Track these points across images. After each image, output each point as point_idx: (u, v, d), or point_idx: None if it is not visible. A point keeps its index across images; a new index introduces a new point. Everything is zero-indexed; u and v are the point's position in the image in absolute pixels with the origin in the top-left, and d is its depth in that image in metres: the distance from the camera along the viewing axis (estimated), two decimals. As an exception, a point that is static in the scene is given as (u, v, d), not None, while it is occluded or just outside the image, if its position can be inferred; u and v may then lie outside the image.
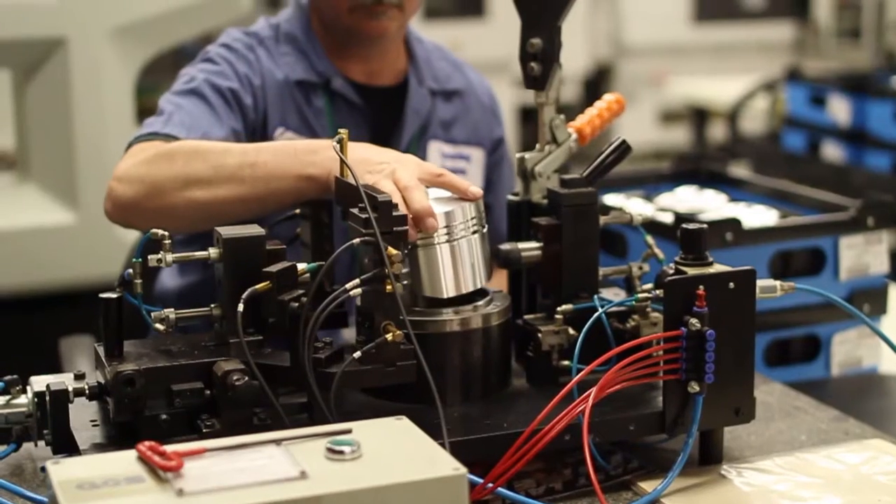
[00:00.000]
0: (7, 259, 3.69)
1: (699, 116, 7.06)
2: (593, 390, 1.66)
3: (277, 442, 1.42)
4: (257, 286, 1.64)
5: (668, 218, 2.48)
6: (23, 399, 1.74)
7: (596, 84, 9.51)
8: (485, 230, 1.85)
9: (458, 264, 1.80)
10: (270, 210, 1.99)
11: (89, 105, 3.72)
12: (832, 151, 5.43)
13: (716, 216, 2.72)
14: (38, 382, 1.75)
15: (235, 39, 2.43)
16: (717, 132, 7.70)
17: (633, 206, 2.81)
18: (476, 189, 1.84)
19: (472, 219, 1.82)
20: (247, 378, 1.60)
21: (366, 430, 1.45)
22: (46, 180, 3.81)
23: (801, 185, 2.71)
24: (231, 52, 2.40)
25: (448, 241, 1.79)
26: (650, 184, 3.00)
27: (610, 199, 2.82)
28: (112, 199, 2.09)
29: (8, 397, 1.74)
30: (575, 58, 8.44)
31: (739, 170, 3.29)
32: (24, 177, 3.90)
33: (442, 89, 2.56)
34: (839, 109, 5.32)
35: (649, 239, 1.98)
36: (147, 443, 1.39)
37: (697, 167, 3.08)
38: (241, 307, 1.60)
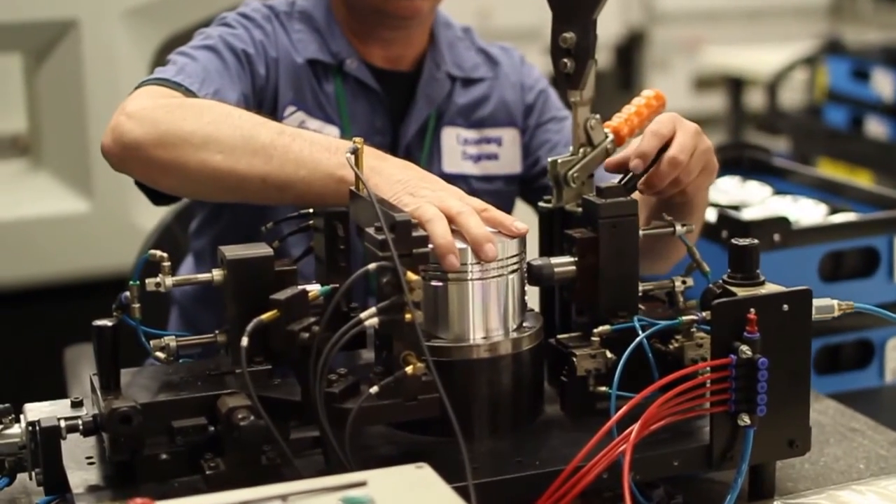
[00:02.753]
0: (20, 249, 3.57)
1: (735, 86, 6.85)
2: (635, 428, 1.51)
3: (284, 497, 1.28)
4: (263, 317, 1.49)
5: (710, 215, 2.33)
6: (15, 429, 1.61)
7: (628, 51, 9.34)
8: (524, 269, 1.69)
9: (489, 304, 1.64)
10: (287, 201, 1.82)
11: (103, 89, 3.58)
12: (876, 127, 5.24)
13: (760, 211, 2.58)
14: (33, 411, 1.63)
15: (254, 9, 2.29)
16: (754, 99, 7.51)
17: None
18: (521, 225, 1.67)
19: (513, 257, 1.66)
20: (253, 417, 1.46)
21: (382, 483, 1.31)
22: (59, 167, 3.68)
23: (843, 161, 2.60)
24: (248, 19, 2.26)
25: (481, 279, 1.64)
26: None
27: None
28: (116, 135, 1.88)
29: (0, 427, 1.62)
30: (607, 24, 8.24)
31: (784, 160, 3.11)
32: (36, 163, 3.78)
33: (466, 77, 2.39)
34: (883, 84, 5.13)
35: (694, 250, 1.82)
36: (139, 500, 1.25)
37: (740, 156, 2.92)
38: (245, 341, 1.45)
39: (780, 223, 2.26)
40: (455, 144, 2.36)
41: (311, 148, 1.79)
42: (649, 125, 1.82)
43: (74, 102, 3.60)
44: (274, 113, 2.21)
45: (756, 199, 2.69)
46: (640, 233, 1.74)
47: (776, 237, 2.24)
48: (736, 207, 2.64)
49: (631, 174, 1.81)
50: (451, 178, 2.27)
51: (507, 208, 2.39)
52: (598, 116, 1.85)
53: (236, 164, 1.81)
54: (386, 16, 2.25)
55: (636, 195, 1.81)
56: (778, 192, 2.74)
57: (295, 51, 2.26)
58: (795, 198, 2.66)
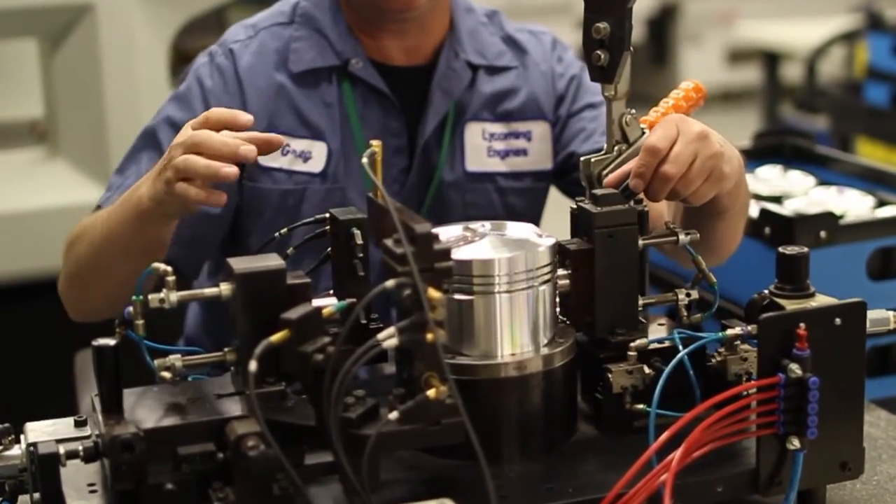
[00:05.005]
0: (37, 241, 3.47)
1: (770, 60, 6.70)
2: (676, 455, 1.39)
3: (294, 541, 1.18)
4: (272, 338, 1.38)
5: (750, 209, 2.21)
6: (15, 451, 1.54)
7: (661, 24, 9.21)
8: (556, 278, 1.58)
9: (518, 319, 1.53)
10: (157, 258, 1.75)
11: (120, 75, 3.48)
12: (918, 106, 5.10)
13: (804, 203, 2.46)
14: (33, 431, 1.56)
15: (220, 45, 2.20)
16: (790, 72, 7.36)
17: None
18: (246, 116, 1.72)
19: (543, 267, 1.55)
20: (263, 446, 1.35)
21: (402, 523, 1.20)
22: (77, 155, 3.59)
23: (883, 140, 2.50)
24: (211, 61, 2.17)
25: (509, 291, 1.52)
26: (729, 163, 2.72)
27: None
28: (65, 305, 2.11)
29: (-1, 448, 1.55)
30: (639, -3, 8.12)
31: (828, 148, 2.99)
32: (53, 151, 3.69)
33: (490, 65, 2.26)
34: (926, 61, 4.98)
35: (699, 260, 1.70)
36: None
37: (781, 143, 2.79)
38: (253, 366, 1.35)
39: (827, 219, 2.14)
40: (480, 141, 2.23)
41: (121, 209, 1.87)
42: (647, 136, 1.69)
43: (91, 88, 3.51)
44: None
45: (799, 190, 2.57)
46: (640, 242, 1.63)
47: (822, 234, 2.13)
48: (778, 198, 2.52)
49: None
50: (476, 177, 2.18)
51: (538, 206, 2.27)
52: (633, 112, 1.73)
53: (107, 270, 1.93)
54: (382, 10, 2.14)
55: None
56: (822, 182, 2.62)
57: (269, 70, 2.16)
58: (840, 189, 2.54)
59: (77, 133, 3.59)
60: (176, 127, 2.08)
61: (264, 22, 2.21)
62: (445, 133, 2.20)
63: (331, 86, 2.16)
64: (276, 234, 1.75)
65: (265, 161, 2.10)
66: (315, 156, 2.14)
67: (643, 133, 1.74)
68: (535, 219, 2.25)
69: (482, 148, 2.22)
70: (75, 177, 3.58)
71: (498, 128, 2.24)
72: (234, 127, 1.69)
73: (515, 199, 2.22)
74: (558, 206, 2.19)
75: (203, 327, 2.34)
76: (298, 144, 2.14)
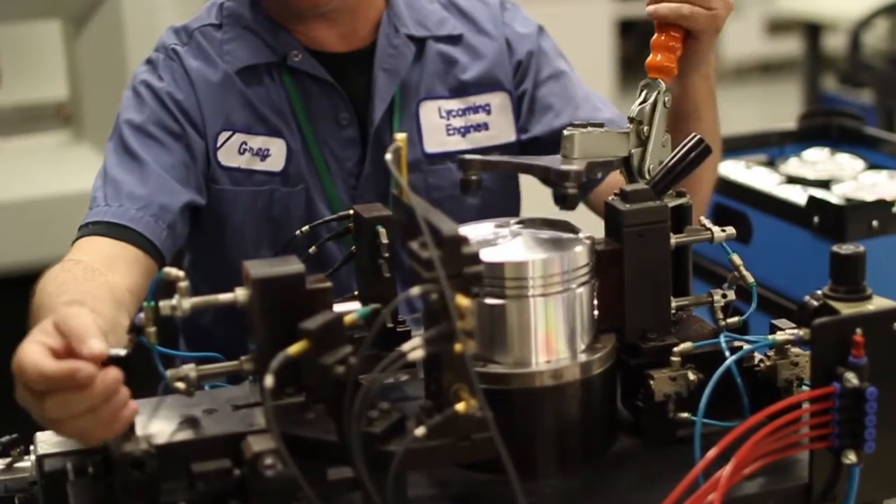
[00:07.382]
0: (61, 226, 3.41)
1: (811, 32, 6.55)
2: (725, 472, 1.30)
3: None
4: (290, 350, 1.29)
5: (797, 196, 2.12)
6: (25, 463, 1.48)
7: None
8: (594, 281, 1.49)
9: (553, 324, 1.44)
10: None
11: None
12: (965, 81, 4.97)
13: (853, 188, 2.36)
14: (44, 443, 1.47)
15: (158, 48, 2.12)
16: (830, 43, 7.21)
17: (756, 176, 2.44)
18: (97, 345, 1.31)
19: (581, 268, 1.45)
20: (280, 465, 1.27)
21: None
22: (103, 139, 3.51)
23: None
24: (152, 68, 2.09)
25: (544, 295, 1.43)
26: (774, 145, 2.63)
27: (729, 166, 2.45)
28: None
29: (8, 460, 1.48)
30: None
31: (877, 130, 2.87)
32: (78, 135, 3.64)
33: (431, 35, 2.14)
34: (975, 32, 4.85)
35: (736, 259, 1.60)
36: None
37: (828, 124, 2.68)
38: (269, 380, 1.26)
39: (879, 207, 2.03)
40: (437, 119, 2.12)
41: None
42: None
43: (116, 70, 3.47)
44: (214, 146, 2.06)
45: (847, 174, 2.46)
46: (673, 241, 1.53)
47: (874, 223, 2.02)
48: (825, 183, 2.42)
49: (666, 172, 1.59)
50: (437, 158, 2.09)
51: (511, 185, 2.17)
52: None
53: None
54: (290, 8, 2.04)
55: None
56: (871, 165, 2.51)
57: (216, 68, 2.06)
58: (892, 173, 2.43)
59: (102, 115, 3.54)
60: (142, 131, 2.04)
61: (195, 23, 2.12)
62: (395, 115, 2.10)
63: (273, 83, 2.07)
64: (298, 231, 1.69)
65: (224, 160, 2.05)
66: (273, 153, 2.06)
67: (657, 86, 1.68)
68: (511, 197, 2.17)
69: (440, 127, 2.12)
70: (99, 161, 3.52)
71: (455, 104, 2.14)
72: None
73: (484, 175, 2.12)
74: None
75: (186, 338, 2.25)
76: (255, 142, 2.06)
